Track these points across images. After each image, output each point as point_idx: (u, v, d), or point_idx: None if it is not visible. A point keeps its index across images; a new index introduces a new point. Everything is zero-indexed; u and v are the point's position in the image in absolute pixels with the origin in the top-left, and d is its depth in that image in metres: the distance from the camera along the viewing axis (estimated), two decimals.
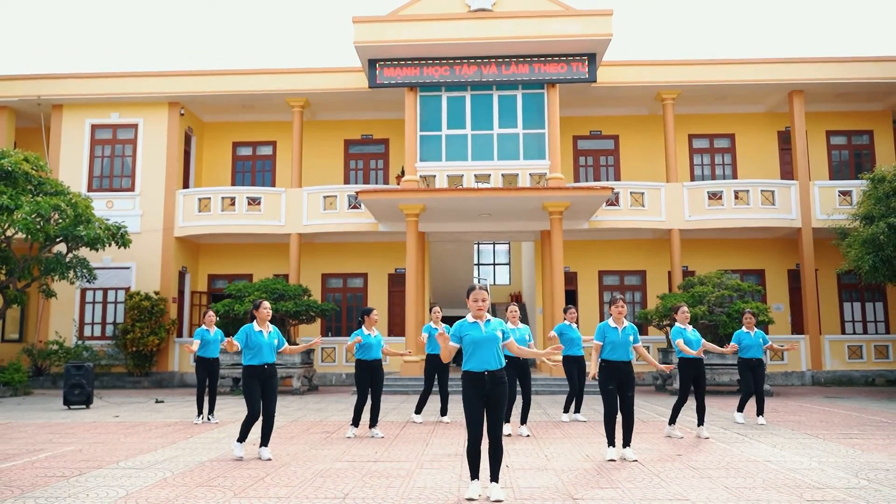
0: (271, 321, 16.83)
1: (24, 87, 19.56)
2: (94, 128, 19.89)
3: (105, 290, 19.22)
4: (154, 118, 19.80)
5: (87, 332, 19.13)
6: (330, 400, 14.55)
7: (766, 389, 15.25)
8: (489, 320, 5.65)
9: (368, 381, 9.12)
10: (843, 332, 19.87)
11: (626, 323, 7.44)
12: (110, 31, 49.08)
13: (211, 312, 10.98)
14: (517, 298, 26.69)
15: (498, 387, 5.51)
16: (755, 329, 10.50)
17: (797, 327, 19.87)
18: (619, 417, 7.32)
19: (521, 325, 9.42)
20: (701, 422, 8.88)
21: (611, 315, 7.56)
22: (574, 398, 10.91)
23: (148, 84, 19.64)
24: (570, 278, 20.37)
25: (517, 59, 17.75)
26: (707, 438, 8.69)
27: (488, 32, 17.29)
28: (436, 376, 10.56)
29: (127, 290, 19.10)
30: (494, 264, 28.56)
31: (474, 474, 5.56)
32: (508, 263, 28.34)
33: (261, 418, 7.46)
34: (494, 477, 5.50)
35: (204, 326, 10.81)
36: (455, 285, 23.53)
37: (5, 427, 10.26)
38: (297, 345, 9.52)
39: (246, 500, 5.49)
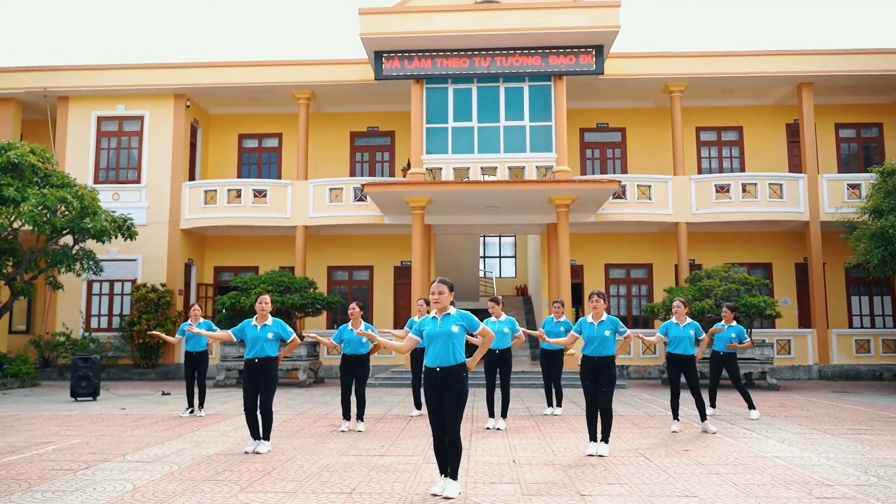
0: (277, 314, 16.90)
1: (31, 79, 19.57)
2: (100, 120, 19.90)
3: (111, 283, 19.27)
4: (160, 110, 19.79)
5: (94, 323, 19.20)
6: (335, 392, 14.54)
7: (774, 384, 15.25)
8: (449, 314, 5.49)
9: (349, 376, 9.17)
10: (851, 326, 19.78)
11: (604, 317, 7.33)
12: (116, 23, 49.06)
13: (196, 306, 10.93)
14: (523, 291, 26.68)
15: (451, 384, 5.37)
16: (733, 323, 10.50)
17: (804, 321, 19.79)
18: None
19: (503, 318, 9.41)
20: (703, 417, 8.84)
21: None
22: (550, 390, 10.87)
23: (154, 76, 19.62)
24: (577, 271, 20.32)
25: (524, 50, 17.66)
26: (714, 433, 8.65)
27: (495, 24, 17.18)
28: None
29: (133, 282, 19.14)
30: (500, 257, 28.54)
31: (441, 469, 5.49)
32: (514, 256, 28.31)
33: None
34: (449, 473, 5.39)
35: (189, 321, 10.83)
36: (461, 278, 23.50)
37: (13, 419, 10.30)
38: (303, 338, 9.52)
39: (253, 494, 5.48)
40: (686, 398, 10.15)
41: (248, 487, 5.71)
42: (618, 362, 19.32)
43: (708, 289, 16.08)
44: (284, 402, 12.57)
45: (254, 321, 7.64)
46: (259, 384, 7.50)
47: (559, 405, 10.90)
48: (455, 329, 5.43)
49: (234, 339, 7.72)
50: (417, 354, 10.35)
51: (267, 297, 7.72)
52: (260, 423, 7.50)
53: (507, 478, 6.07)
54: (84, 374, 13.04)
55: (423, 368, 5.52)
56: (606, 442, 7.24)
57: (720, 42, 46.37)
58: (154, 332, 10.92)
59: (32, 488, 5.70)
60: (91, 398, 13.09)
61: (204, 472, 6.37)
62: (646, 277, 20.59)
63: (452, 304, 5.63)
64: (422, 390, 10.44)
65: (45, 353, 18.48)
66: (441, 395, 5.42)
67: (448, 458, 5.38)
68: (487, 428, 9.10)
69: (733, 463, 6.71)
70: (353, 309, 9.17)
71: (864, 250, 15.21)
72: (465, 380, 5.42)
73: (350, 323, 9.15)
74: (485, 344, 5.67)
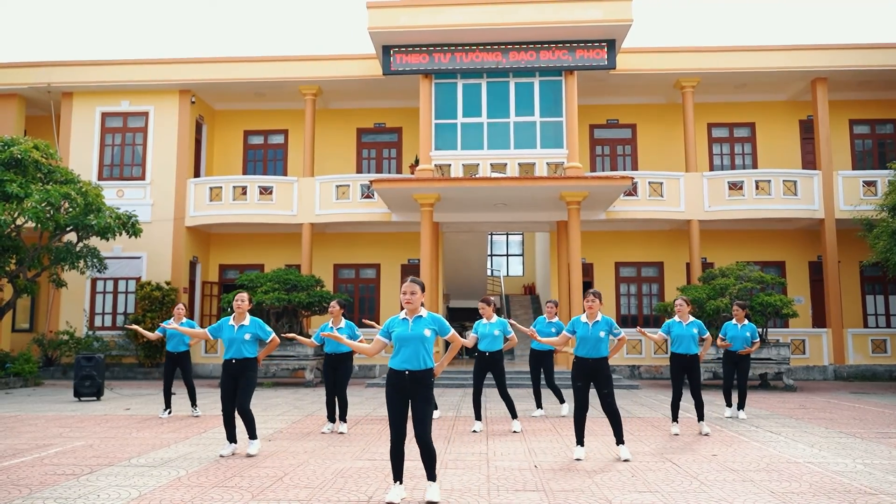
0: (283, 312, 16.60)
1: (34, 75, 19.31)
2: (104, 116, 19.63)
3: (116, 280, 19.02)
4: (165, 106, 19.52)
5: (98, 322, 18.94)
6: None
7: (791, 384, 14.94)
8: (420, 316, 5.26)
9: (330, 375, 8.94)
10: (866, 326, 19.45)
11: (599, 317, 7.04)
12: (121, 18, 48.85)
13: (180, 305, 10.61)
14: (530, 290, 26.39)
15: (420, 388, 5.16)
16: (745, 322, 10.29)
17: (818, 320, 19.46)
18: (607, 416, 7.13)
19: (494, 319, 9.15)
20: (700, 417, 8.64)
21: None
22: (539, 392, 10.66)
23: (159, 71, 19.35)
24: (586, 270, 20.00)
25: (535, 45, 17.34)
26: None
27: (506, 18, 16.87)
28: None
29: (138, 280, 18.89)
30: (507, 255, 28.24)
31: (396, 476, 5.26)
32: (522, 255, 28.02)
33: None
34: (430, 476, 5.23)
35: (171, 320, 10.55)
36: (468, 277, 23.23)
37: (15, 420, 10.03)
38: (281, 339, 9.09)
39: (265, 503, 5.20)
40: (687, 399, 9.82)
41: (260, 495, 5.43)
42: (628, 362, 19.10)
43: (723, 287, 15.76)
44: (292, 403, 12.31)
45: (231, 320, 7.30)
46: (236, 385, 7.17)
47: (562, 402, 10.65)
48: (427, 333, 5.21)
49: (211, 338, 7.42)
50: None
51: (244, 295, 7.37)
52: (243, 426, 7.19)
53: (530, 485, 5.78)
54: (88, 373, 12.78)
55: (389, 370, 5.26)
56: (623, 443, 6.98)
57: (733, 37, 45.89)
58: (132, 326, 10.35)
59: (33, 494, 5.42)
60: (95, 398, 12.83)
61: (213, 477, 6.09)
62: (657, 276, 20.28)
63: (422, 304, 5.38)
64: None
65: (49, 351, 18.23)
66: (406, 400, 5.20)
67: (424, 463, 5.19)
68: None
69: (766, 469, 6.41)
70: (334, 307, 8.96)
71: (883, 248, 14.91)
72: (432, 385, 5.26)
73: (331, 321, 8.93)
74: (452, 350, 5.50)
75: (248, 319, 7.32)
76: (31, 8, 48.05)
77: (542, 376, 10.70)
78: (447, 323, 5.37)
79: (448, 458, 6.96)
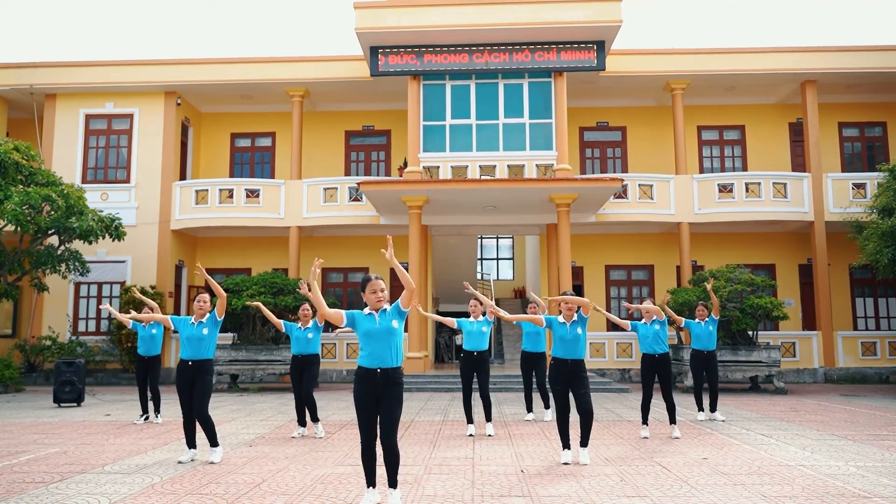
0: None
1: (16, 76, 19.02)
2: (88, 118, 19.36)
3: (100, 285, 18.72)
4: (150, 108, 19.28)
5: (81, 327, 18.64)
6: (330, 397, 14.06)
7: (781, 387, 14.85)
8: (385, 309, 5.02)
9: (298, 377, 8.76)
10: (856, 329, 19.40)
11: (575, 317, 6.97)
12: (105, 19, 48.53)
13: (147, 308, 10.41)
14: (521, 294, 26.24)
15: (391, 387, 4.92)
16: (707, 320, 10.26)
17: (808, 323, 19.40)
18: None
19: (481, 318, 9.03)
20: (672, 420, 8.54)
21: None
22: (531, 396, 10.56)
23: (144, 73, 19.11)
24: (576, 273, 19.87)
25: (524, 46, 17.23)
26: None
27: (494, 18, 16.76)
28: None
29: (122, 284, 18.60)
30: (497, 259, 28.11)
31: (369, 481, 5.05)
32: (512, 258, 27.89)
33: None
34: (391, 483, 4.97)
35: (143, 324, 10.36)
36: (458, 280, 23.01)
37: None
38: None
39: None
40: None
41: (235, 502, 5.23)
42: (618, 366, 18.92)
43: (713, 290, 15.64)
44: (276, 408, 12.09)
45: (192, 319, 7.08)
46: (193, 388, 6.92)
47: (547, 407, 10.49)
48: (396, 325, 4.98)
49: (171, 325, 7.13)
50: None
51: (206, 296, 7.17)
52: (203, 433, 6.94)
53: (516, 490, 5.61)
54: (68, 378, 12.52)
55: (358, 368, 5.01)
56: (586, 446, 6.84)
57: (723, 39, 46.06)
58: (106, 307, 9.84)
59: None
60: (75, 404, 12.57)
61: (188, 484, 5.88)
62: (647, 279, 20.17)
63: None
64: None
65: (31, 357, 17.91)
66: (376, 399, 4.94)
67: (387, 466, 4.95)
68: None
69: (758, 472, 6.26)
70: (307, 310, 8.93)
71: (873, 250, 14.84)
72: (402, 384, 5.01)
73: (299, 323, 8.87)
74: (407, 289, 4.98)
75: (206, 318, 7.12)
76: (13, 8, 47.66)
77: (534, 379, 10.57)
78: (397, 302, 5.03)
79: (433, 463, 6.78)
